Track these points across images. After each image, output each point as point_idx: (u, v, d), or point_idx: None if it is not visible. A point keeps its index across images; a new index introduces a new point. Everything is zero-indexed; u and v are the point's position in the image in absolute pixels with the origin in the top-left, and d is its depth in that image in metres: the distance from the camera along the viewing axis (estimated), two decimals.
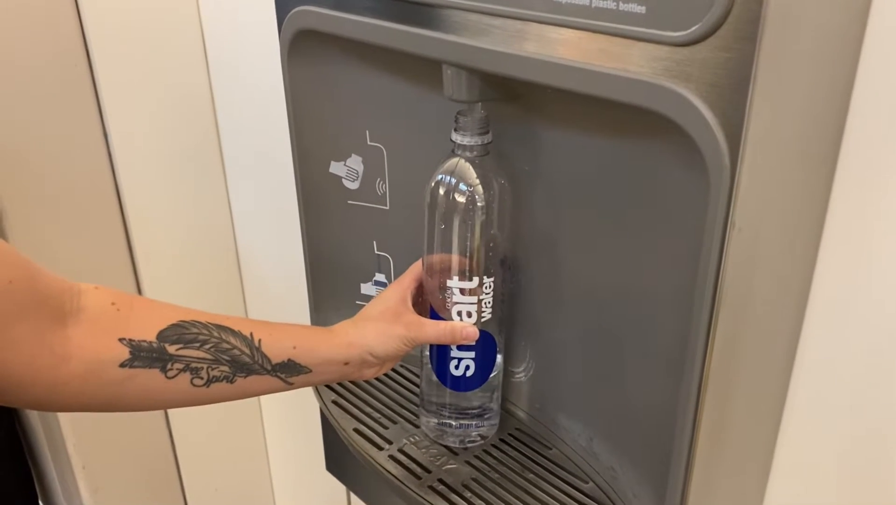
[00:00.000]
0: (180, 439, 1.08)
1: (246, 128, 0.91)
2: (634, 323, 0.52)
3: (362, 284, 0.73)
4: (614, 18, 0.40)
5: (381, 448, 0.64)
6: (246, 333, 0.51)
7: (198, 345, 0.49)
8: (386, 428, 0.66)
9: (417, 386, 0.71)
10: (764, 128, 0.38)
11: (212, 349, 0.49)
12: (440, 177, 0.56)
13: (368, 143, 0.66)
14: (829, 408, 0.51)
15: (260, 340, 0.51)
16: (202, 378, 0.49)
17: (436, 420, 0.64)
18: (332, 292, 0.74)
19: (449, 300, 0.58)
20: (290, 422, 1.12)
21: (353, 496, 1.04)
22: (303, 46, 0.62)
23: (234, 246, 1.03)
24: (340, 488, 1.04)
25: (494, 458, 0.63)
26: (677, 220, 0.45)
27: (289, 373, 0.53)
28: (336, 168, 0.68)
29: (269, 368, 0.52)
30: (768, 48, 0.36)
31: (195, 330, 0.49)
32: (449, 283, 0.57)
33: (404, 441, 0.65)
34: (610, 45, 0.41)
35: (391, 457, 0.63)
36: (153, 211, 0.94)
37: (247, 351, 0.51)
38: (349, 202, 0.69)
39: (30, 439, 1.05)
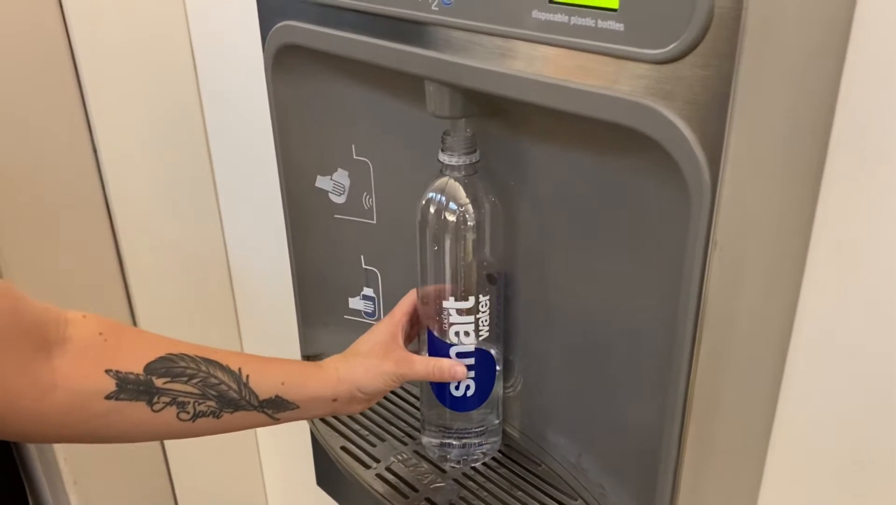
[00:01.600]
0: (173, 454, 1.07)
1: (235, 143, 0.91)
2: (621, 339, 0.52)
3: (350, 299, 0.73)
4: (593, 36, 0.40)
5: (368, 466, 0.64)
6: (234, 368, 0.50)
7: (185, 379, 0.48)
8: (374, 446, 0.66)
9: (406, 403, 0.71)
10: (745, 145, 0.38)
11: (199, 384, 0.49)
12: (430, 195, 0.56)
13: (354, 157, 0.66)
14: (818, 421, 0.51)
15: (248, 376, 0.51)
16: (188, 413, 0.49)
17: (438, 441, 0.63)
18: (320, 307, 0.73)
19: (446, 321, 0.57)
20: (284, 437, 1.11)
21: None
22: (287, 61, 0.62)
23: (226, 261, 1.02)
24: (333, 503, 1.03)
25: (483, 475, 0.62)
26: (660, 237, 0.45)
27: (276, 409, 0.52)
28: (322, 182, 0.68)
29: (256, 403, 0.51)
30: (748, 65, 0.36)
31: (183, 364, 0.49)
32: (445, 304, 0.57)
33: (392, 459, 0.64)
34: (589, 63, 0.41)
35: (378, 476, 0.63)
36: (144, 228, 0.94)
37: (234, 386, 0.50)
38: (336, 216, 0.69)
39: (22, 454, 1.04)
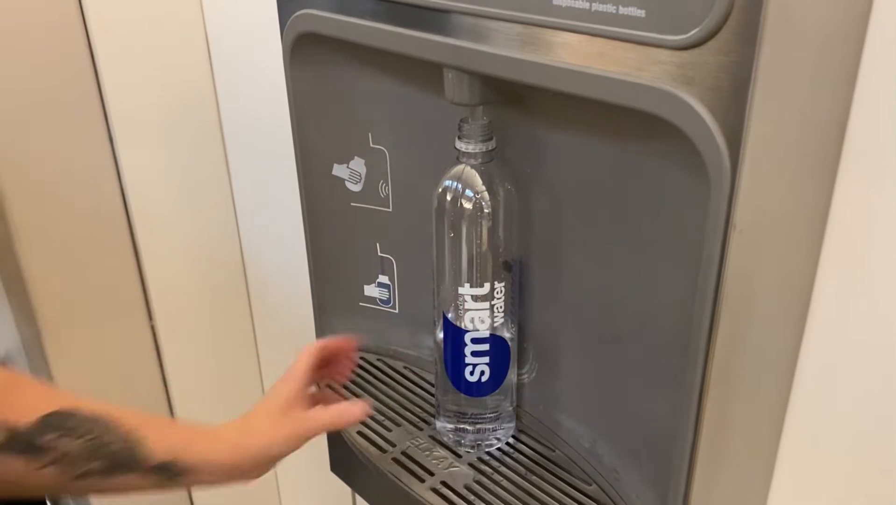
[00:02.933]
0: None
1: (250, 131, 0.91)
2: (636, 325, 0.52)
3: (366, 286, 0.73)
4: (614, 22, 0.40)
5: (384, 451, 0.64)
6: (131, 427, 0.49)
7: (76, 436, 0.47)
8: (389, 431, 0.66)
9: (421, 388, 0.72)
10: (765, 130, 0.38)
11: (91, 441, 0.47)
12: (447, 183, 0.56)
13: (371, 145, 0.66)
14: (832, 409, 0.51)
15: (145, 438, 0.49)
16: (77, 469, 0.47)
17: (452, 425, 0.64)
18: (335, 295, 0.74)
19: (461, 307, 0.58)
20: None
21: (358, 497, 1.04)
22: (305, 50, 0.62)
23: (240, 248, 1.03)
24: (346, 489, 1.04)
25: (497, 460, 0.63)
26: (677, 222, 0.45)
27: (170, 474, 0.50)
28: (339, 170, 0.68)
29: (148, 466, 0.49)
30: (768, 51, 0.36)
31: (76, 420, 0.47)
32: (460, 290, 0.58)
33: (407, 444, 0.65)
34: (610, 49, 0.41)
35: (394, 459, 0.63)
36: (158, 215, 0.95)
37: (127, 447, 0.48)
38: (352, 204, 0.69)
39: None
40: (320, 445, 1.01)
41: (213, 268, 1.02)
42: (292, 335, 0.99)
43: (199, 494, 1.13)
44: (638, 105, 0.41)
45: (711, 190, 0.39)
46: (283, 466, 1.22)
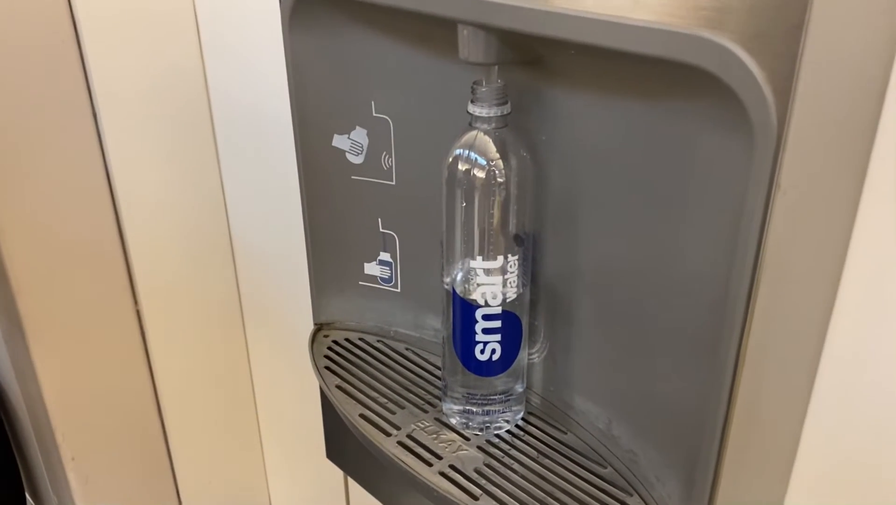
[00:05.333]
0: (173, 429, 1.05)
1: (238, 98, 0.87)
2: (661, 298, 0.49)
3: (366, 264, 0.70)
4: None
5: (388, 434, 0.61)
6: None
7: None
8: (393, 413, 0.63)
9: (424, 370, 0.69)
10: (814, 81, 0.36)
11: None
12: (458, 151, 0.53)
13: (374, 114, 0.63)
14: (857, 391, 0.49)
15: None
16: None
17: (460, 407, 0.61)
18: (334, 273, 0.71)
19: (472, 281, 0.55)
20: (285, 410, 1.09)
21: (351, 487, 1.01)
22: (305, 12, 0.59)
23: (227, 229, 1.00)
24: (338, 478, 1.01)
25: (507, 443, 0.60)
26: (713, 185, 0.43)
27: None
28: (339, 141, 0.65)
29: None
30: None
31: None
32: (472, 263, 0.55)
33: (413, 427, 0.62)
34: None
35: (400, 443, 0.60)
36: (144, 195, 0.91)
37: None
38: (353, 177, 0.66)
39: (15, 429, 1.02)
40: (311, 433, 0.98)
41: (200, 250, 0.99)
42: (285, 317, 0.96)
43: (186, 488, 1.10)
44: (675, 56, 0.38)
45: (756, 148, 0.37)
46: (271, 455, 1.19)
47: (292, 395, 1.04)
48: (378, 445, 0.60)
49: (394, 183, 0.65)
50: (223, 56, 0.86)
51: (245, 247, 0.99)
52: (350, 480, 1.00)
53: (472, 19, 0.47)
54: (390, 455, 0.59)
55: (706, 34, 0.36)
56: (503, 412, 0.61)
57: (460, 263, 0.56)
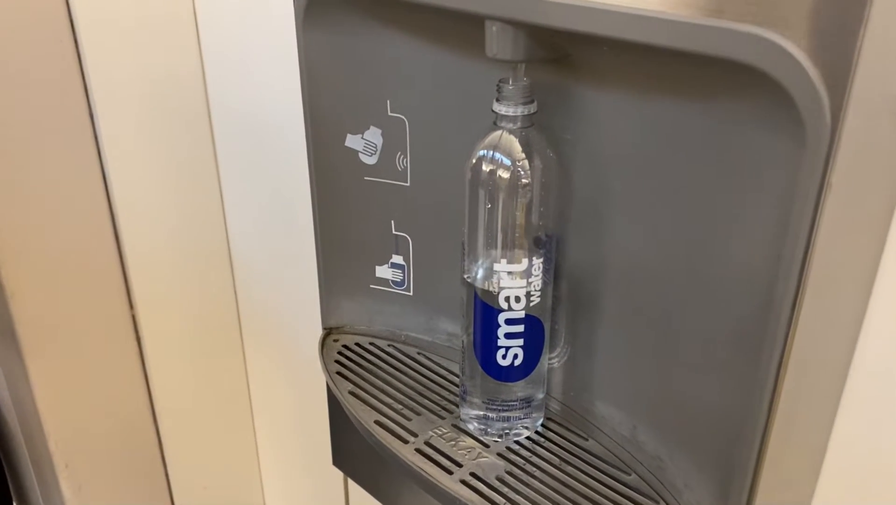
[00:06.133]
0: (168, 437, 1.03)
1: (238, 104, 0.85)
2: (693, 301, 0.48)
3: (378, 267, 0.69)
4: None
5: (406, 441, 0.60)
6: None
7: None
8: (409, 420, 0.62)
9: (438, 375, 0.67)
10: (869, 81, 0.35)
11: None
12: (483, 152, 0.52)
13: (389, 113, 0.61)
14: (887, 397, 0.48)
15: None
16: None
17: (478, 412, 0.60)
18: (344, 276, 0.69)
19: (496, 285, 0.54)
20: (282, 418, 1.07)
21: (351, 495, 0.99)
22: (319, 9, 0.57)
23: (225, 235, 0.97)
24: (337, 485, 0.99)
25: (528, 449, 0.59)
26: (756, 184, 0.42)
27: None
28: (352, 141, 0.64)
29: None
30: None
31: None
32: (496, 266, 0.53)
33: (430, 433, 0.61)
34: None
35: (418, 450, 0.59)
36: (141, 200, 0.89)
37: None
38: (366, 178, 0.65)
39: (4, 437, 0.99)
40: (310, 441, 0.96)
41: (197, 257, 0.96)
42: (283, 324, 0.94)
43: (180, 497, 1.07)
44: (723, 53, 0.37)
45: (807, 147, 0.36)
46: (267, 463, 1.17)
47: (290, 401, 1.02)
48: (396, 452, 0.59)
49: (408, 184, 0.64)
50: (223, 62, 0.84)
51: (243, 253, 0.97)
52: (350, 489, 0.98)
53: (502, 15, 0.45)
54: (409, 463, 0.58)
55: (757, 30, 0.35)
56: (523, 418, 0.60)
57: (482, 266, 0.55)
